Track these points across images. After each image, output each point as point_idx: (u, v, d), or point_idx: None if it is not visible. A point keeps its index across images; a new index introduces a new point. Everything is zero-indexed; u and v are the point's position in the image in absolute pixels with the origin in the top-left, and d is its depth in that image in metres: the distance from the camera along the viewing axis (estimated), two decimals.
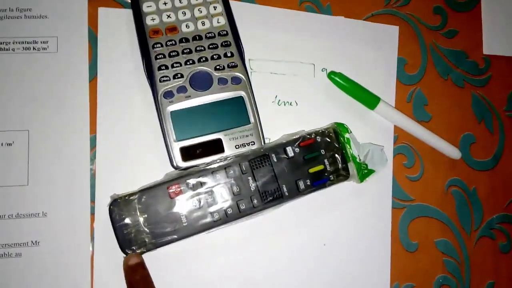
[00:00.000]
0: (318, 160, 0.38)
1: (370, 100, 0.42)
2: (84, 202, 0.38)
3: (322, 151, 0.38)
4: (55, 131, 0.38)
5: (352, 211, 0.41)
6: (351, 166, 0.39)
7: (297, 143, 0.38)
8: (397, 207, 0.42)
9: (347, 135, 0.39)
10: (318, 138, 0.39)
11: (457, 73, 0.45)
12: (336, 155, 0.39)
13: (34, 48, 0.39)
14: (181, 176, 0.36)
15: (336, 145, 0.39)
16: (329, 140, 0.39)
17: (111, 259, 0.37)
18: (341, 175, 0.39)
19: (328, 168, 0.38)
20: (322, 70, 0.43)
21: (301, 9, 0.43)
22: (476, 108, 0.45)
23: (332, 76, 0.42)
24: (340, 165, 0.39)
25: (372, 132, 0.42)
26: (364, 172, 0.39)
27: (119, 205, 0.35)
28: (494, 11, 0.47)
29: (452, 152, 0.43)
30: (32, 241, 0.37)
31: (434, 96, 0.44)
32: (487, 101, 0.45)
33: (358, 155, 0.39)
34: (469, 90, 0.45)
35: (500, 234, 0.44)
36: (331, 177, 0.38)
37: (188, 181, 0.36)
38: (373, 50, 0.44)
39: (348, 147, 0.39)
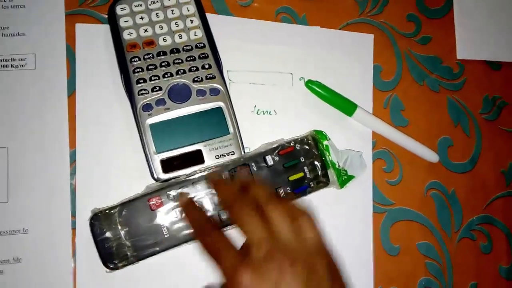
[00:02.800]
0: (298, 168, 0.39)
1: (347, 107, 0.42)
2: (65, 217, 0.38)
3: (302, 159, 0.39)
4: (35, 147, 0.38)
5: (334, 217, 0.41)
6: (331, 173, 0.40)
7: (276, 152, 0.39)
8: (378, 211, 0.43)
9: (325, 142, 0.40)
10: (297, 146, 0.39)
11: (432, 78, 0.46)
12: (316, 162, 0.39)
13: (12, 66, 0.39)
14: (162, 188, 0.37)
15: (315, 152, 0.39)
16: (308, 147, 0.39)
17: (93, 274, 0.37)
18: (321, 181, 0.39)
19: (308, 175, 0.39)
20: (300, 79, 0.43)
21: (277, 20, 0.44)
22: (452, 112, 0.46)
23: (310, 84, 0.42)
24: (320, 172, 0.39)
25: (350, 138, 0.43)
26: (344, 178, 0.40)
27: (99, 219, 0.35)
28: (466, 17, 0.48)
29: (430, 155, 0.44)
30: (13, 258, 0.37)
31: (411, 101, 0.45)
32: (462, 105, 0.46)
33: (338, 162, 0.40)
34: (445, 95, 0.46)
35: (480, 235, 0.45)
36: (311, 184, 0.39)
37: (168, 192, 0.36)
38: (349, 58, 0.44)
39: (327, 154, 0.40)
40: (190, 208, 0.35)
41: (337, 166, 0.40)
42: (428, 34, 0.47)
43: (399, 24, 0.46)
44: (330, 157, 0.40)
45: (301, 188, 0.38)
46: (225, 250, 0.30)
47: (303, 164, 0.39)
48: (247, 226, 0.30)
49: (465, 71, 0.47)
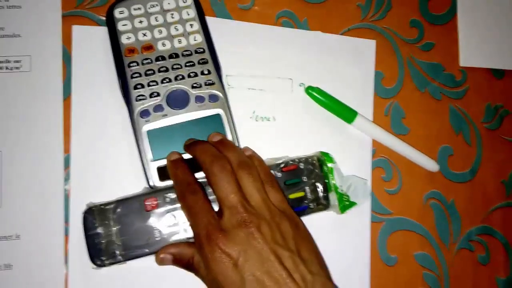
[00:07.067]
0: (299, 187, 0.38)
1: (347, 114, 0.42)
2: (58, 223, 0.37)
3: (304, 178, 0.38)
4: (29, 151, 0.37)
5: (331, 226, 0.41)
6: (333, 196, 0.39)
7: (279, 168, 0.38)
8: (376, 220, 0.42)
9: (330, 165, 0.39)
10: (301, 165, 0.38)
11: (434, 85, 0.46)
12: (318, 184, 0.38)
13: (6, 68, 0.38)
14: (160, 189, 0.36)
15: (319, 174, 0.38)
16: (312, 167, 0.38)
17: (86, 281, 0.36)
18: (321, 204, 0.38)
19: (309, 195, 0.38)
20: (300, 85, 0.43)
21: (278, 24, 0.43)
22: (454, 121, 0.45)
23: (310, 91, 0.42)
24: (321, 194, 0.38)
25: (350, 146, 0.42)
26: (345, 204, 0.39)
27: (93, 213, 0.35)
28: (470, 24, 0.48)
29: (430, 165, 0.43)
30: (4, 264, 0.36)
31: (412, 109, 0.45)
32: (464, 113, 0.46)
33: (341, 186, 0.39)
34: (446, 103, 0.46)
35: (478, 246, 0.44)
36: (311, 205, 0.38)
37: (165, 195, 0.36)
38: (350, 64, 0.44)
39: (331, 176, 0.39)
40: (178, 166, 0.35)
41: (339, 190, 0.39)
42: (431, 41, 0.46)
43: (402, 30, 0.46)
44: (333, 180, 0.39)
45: (300, 208, 0.38)
46: (202, 213, 0.32)
47: (305, 183, 0.38)
48: (223, 191, 0.33)
49: (468, 79, 0.46)
